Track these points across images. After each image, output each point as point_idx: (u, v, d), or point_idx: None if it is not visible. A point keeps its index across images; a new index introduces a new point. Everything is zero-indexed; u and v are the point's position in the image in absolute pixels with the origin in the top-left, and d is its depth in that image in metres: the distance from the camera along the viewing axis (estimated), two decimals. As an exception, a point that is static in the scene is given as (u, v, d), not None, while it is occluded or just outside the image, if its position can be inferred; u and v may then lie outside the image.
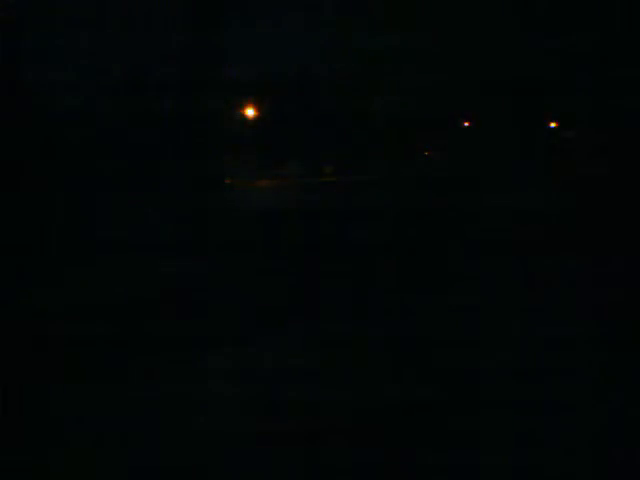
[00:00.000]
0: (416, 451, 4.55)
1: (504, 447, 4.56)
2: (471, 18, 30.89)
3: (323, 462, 4.35)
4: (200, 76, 26.14)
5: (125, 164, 24.09)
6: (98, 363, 6.26)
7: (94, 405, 5.35)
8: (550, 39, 29.53)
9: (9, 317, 7.63)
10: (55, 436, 4.90)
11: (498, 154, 37.15)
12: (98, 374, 5.87)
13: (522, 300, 8.28)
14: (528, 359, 6.25)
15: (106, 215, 18.33)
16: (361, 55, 30.46)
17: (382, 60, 30.29)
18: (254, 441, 4.71)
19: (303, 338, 6.99)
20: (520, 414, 5.09)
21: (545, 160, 35.88)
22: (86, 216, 17.97)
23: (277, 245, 13.05)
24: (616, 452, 4.52)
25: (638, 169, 25.64)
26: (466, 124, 39.08)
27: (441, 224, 15.21)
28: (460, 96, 34.30)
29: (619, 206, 17.87)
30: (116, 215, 18.58)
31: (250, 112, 33.29)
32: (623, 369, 5.83)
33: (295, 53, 29.37)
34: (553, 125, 39.99)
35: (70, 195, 20.06)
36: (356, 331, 7.30)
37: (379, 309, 8.08)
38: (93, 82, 23.81)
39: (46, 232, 14.30)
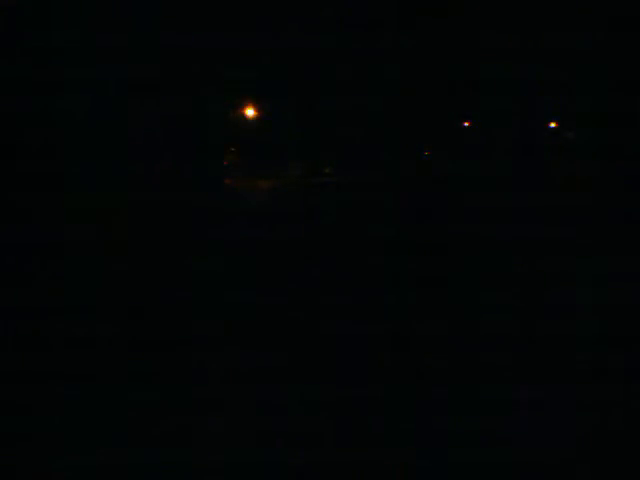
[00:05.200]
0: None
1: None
2: (471, 17, 30.87)
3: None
4: (200, 76, 26.14)
5: (125, 164, 24.10)
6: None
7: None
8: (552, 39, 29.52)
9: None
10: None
11: (497, 154, 37.07)
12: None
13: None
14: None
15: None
16: (358, 54, 30.39)
17: (381, 59, 30.24)
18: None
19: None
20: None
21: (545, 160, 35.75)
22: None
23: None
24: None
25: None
26: (466, 124, 39.01)
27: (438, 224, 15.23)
28: (459, 95, 34.25)
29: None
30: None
31: (250, 112, 33.28)
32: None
33: (295, 53, 29.36)
34: (553, 125, 39.91)
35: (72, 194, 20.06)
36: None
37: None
38: (93, 82, 23.80)
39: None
